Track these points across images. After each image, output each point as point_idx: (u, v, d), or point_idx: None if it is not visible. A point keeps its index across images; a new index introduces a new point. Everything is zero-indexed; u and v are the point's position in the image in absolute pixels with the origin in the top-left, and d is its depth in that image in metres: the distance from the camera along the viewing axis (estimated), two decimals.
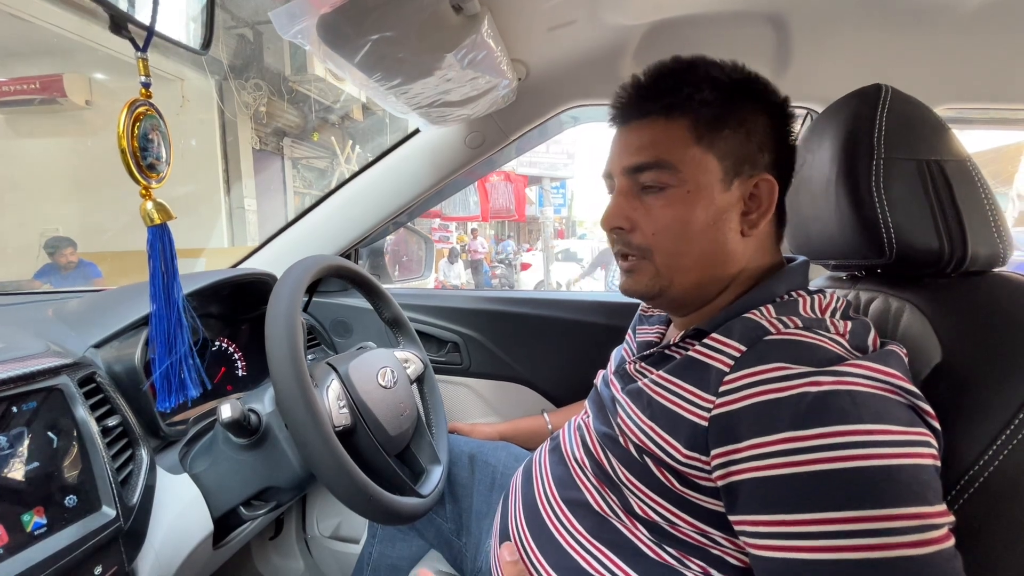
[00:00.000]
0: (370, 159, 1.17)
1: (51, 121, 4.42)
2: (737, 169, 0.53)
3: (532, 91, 1.00)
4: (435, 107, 0.86)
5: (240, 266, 1.23)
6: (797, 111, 0.94)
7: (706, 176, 0.53)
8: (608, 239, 0.61)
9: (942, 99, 0.87)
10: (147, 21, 0.40)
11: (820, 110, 0.90)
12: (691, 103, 0.53)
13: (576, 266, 10.85)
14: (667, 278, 0.55)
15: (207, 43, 0.50)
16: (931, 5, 0.80)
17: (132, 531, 0.57)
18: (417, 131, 1.08)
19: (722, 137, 0.53)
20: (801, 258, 0.60)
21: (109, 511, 0.54)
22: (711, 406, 0.45)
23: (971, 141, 0.56)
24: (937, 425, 0.42)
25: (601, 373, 0.71)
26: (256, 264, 1.22)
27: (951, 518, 0.37)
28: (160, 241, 0.47)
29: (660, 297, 0.57)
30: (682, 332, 0.56)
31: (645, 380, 0.55)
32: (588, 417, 0.65)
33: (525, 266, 10.92)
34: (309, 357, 1.15)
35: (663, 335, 0.68)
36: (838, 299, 0.53)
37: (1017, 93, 0.87)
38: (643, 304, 0.75)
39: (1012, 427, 0.45)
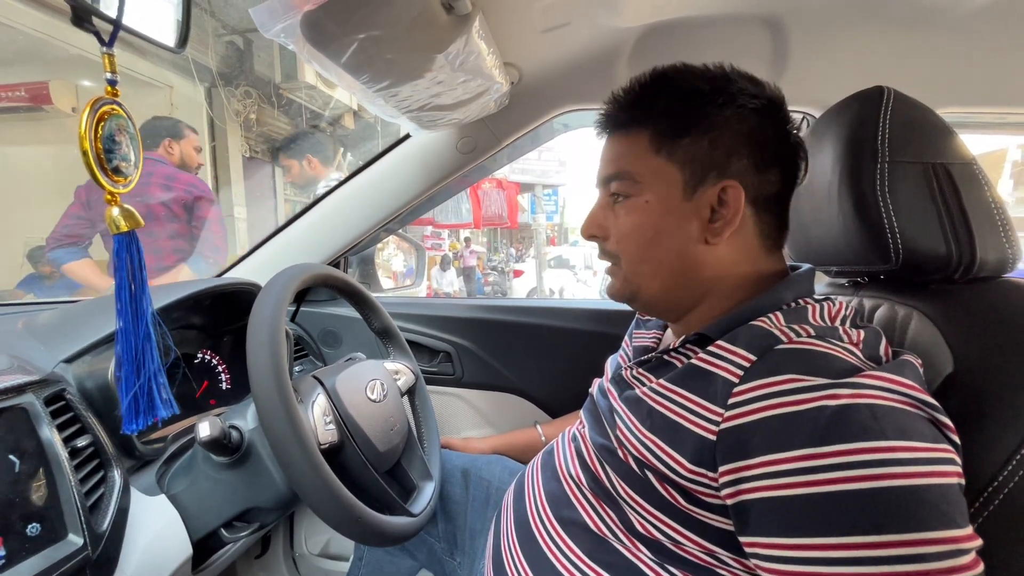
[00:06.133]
0: (361, 165, 1.14)
1: (36, 128, 4.34)
2: (701, 176, 0.52)
3: (525, 95, 0.98)
4: (425, 111, 0.83)
5: (225, 275, 1.20)
6: (794, 115, 0.93)
7: (666, 186, 0.53)
8: None
9: (939, 103, 0.86)
10: (113, 14, 0.37)
11: (818, 114, 0.89)
12: (649, 115, 0.54)
13: (570, 273, 10.88)
14: (635, 284, 0.57)
15: (183, 41, 0.47)
16: (927, 8, 0.79)
17: (102, 559, 0.54)
18: (407, 136, 1.06)
19: (682, 146, 0.52)
20: (807, 265, 0.58)
21: (76, 539, 0.51)
22: (719, 419, 0.43)
23: None
24: (957, 439, 0.39)
25: (597, 382, 0.69)
26: (242, 273, 1.19)
27: (979, 541, 0.35)
28: (127, 250, 0.43)
29: (634, 301, 0.59)
30: (681, 337, 0.53)
31: (643, 388, 0.52)
32: (584, 428, 0.63)
33: (517, 273, 10.91)
34: (297, 368, 1.11)
35: (660, 340, 0.65)
36: (847, 307, 0.51)
37: (1014, 96, 0.87)
38: None
39: None
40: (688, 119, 0.53)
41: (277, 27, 0.56)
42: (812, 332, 0.45)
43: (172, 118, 2.13)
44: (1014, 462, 0.43)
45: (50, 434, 0.53)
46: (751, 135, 0.52)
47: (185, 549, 0.65)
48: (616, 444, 0.53)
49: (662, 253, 0.54)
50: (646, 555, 0.50)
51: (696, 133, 0.52)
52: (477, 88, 0.81)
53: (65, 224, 1.88)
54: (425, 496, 0.76)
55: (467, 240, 10.22)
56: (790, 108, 0.56)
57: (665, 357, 0.54)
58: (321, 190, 2.14)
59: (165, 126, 2.00)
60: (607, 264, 0.61)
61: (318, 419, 0.63)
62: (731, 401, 0.43)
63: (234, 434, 0.63)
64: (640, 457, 0.49)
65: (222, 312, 0.93)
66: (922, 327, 0.53)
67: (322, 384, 0.68)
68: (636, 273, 0.57)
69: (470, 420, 1.19)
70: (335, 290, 0.82)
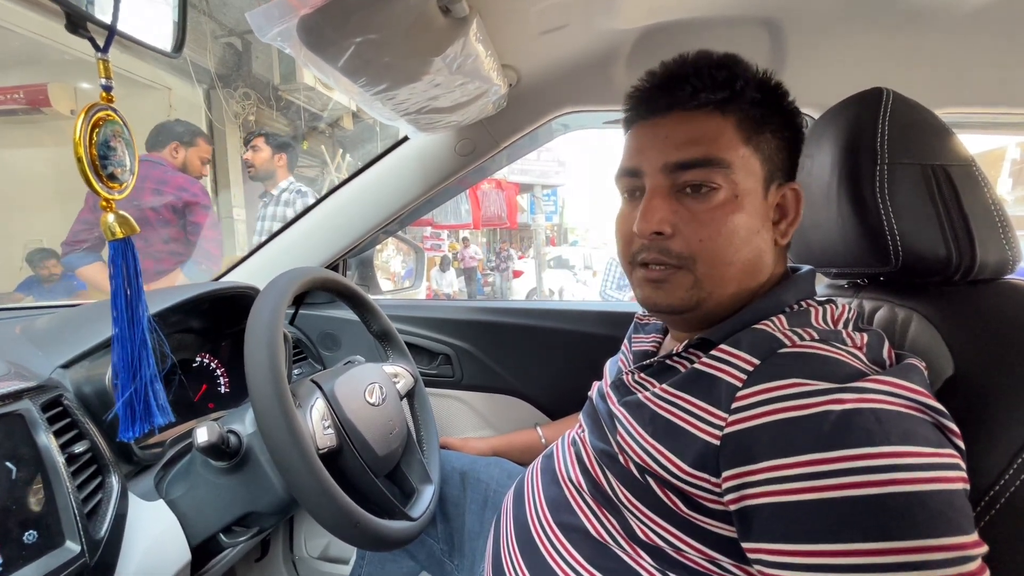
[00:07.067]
0: (360, 167, 1.14)
1: (34, 131, 4.34)
2: (773, 175, 0.52)
3: (523, 97, 0.98)
4: (424, 114, 0.83)
5: (223, 279, 1.20)
6: None
7: (752, 179, 0.50)
8: (621, 248, 0.56)
9: (938, 103, 0.85)
10: (108, 20, 0.37)
11: (816, 115, 0.89)
12: (742, 99, 0.50)
13: (569, 273, 10.90)
14: (706, 289, 0.50)
15: (179, 46, 0.47)
16: (926, 9, 0.79)
17: (100, 566, 0.53)
18: (406, 138, 1.06)
19: (764, 140, 0.51)
20: (807, 267, 0.57)
21: (73, 546, 0.50)
22: (723, 423, 0.43)
23: None
24: (962, 444, 0.39)
25: (596, 385, 0.68)
26: (240, 276, 1.18)
27: (985, 548, 0.34)
28: (123, 257, 0.43)
29: (693, 311, 0.52)
30: (684, 342, 0.53)
31: (646, 393, 0.52)
32: (583, 432, 0.62)
33: (517, 273, 10.92)
34: (296, 372, 1.11)
35: (660, 344, 0.65)
36: (850, 309, 0.51)
37: (1013, 97, 0.86)
38: (639, 312, 0.73)
39: None
40: (768, 113, 0.51)
41: (274, 31, 0.56)
42: (816, 336, 0.45)
43: (196, 127, 2.13)
44: (1016, 464, 0.43)
45: (47, 440, 0.52)
46: (797, 141, 0.54)
47: (184, 554, 0.65)
48: (617, 449, 0.52)
49: (747, 254, 0.50)
50: (647, 561, 0.49)
51: (771, 129, 0.51)
52: (475, 90, 0.81)
53: (77, 228, 1.90)
54: (424, 500, 0.76)
55: (464, 240, 10.21)
56: None
57: (668, 362, 0.54)
58: (281, 189, 2.15)
59: (180, 130, 2.01)
60: (660, 268, 0.51)
61: (317, 424, 0.63)
62: (735, 405, 0.42)
63: (232, 439, 0.63)
64: (641, 463, 0.48)
65: (221, 316, 0.93)
66: (922, 329, 0.52)
67: (320, 388, 0.68)
68: (713, 277, 0.50)
69: (469, 422, 1.19)
70: (334, 293, 0.82)
